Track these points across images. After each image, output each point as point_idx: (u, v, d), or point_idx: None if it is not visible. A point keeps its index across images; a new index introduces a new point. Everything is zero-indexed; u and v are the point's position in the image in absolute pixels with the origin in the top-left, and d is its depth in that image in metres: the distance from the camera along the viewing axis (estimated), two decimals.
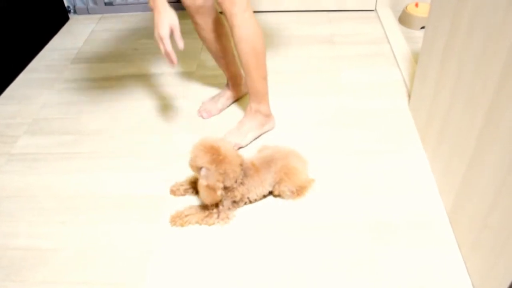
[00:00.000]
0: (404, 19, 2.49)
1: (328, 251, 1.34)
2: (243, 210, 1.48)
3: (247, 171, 1.41)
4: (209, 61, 2.27)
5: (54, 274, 1.33)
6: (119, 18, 2.78)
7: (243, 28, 1.53)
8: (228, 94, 1.92)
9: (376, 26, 2.49)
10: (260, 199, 1.49)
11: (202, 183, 1.32)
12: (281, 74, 2.13)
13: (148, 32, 2.59)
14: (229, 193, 1.39)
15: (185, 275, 1.31)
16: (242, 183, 1.40)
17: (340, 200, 1.50)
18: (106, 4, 2.82)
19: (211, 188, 1.32)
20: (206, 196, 1.35)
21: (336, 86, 2.04)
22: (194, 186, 1.52)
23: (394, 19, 2.53)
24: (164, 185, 1.59)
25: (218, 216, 1.41)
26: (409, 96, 1.92)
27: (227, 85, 1.93)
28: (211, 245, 1.38)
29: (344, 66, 2.18)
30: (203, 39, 1.76)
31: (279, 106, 1.92)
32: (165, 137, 1.81)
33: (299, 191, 1.47)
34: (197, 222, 1.42)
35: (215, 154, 1.31)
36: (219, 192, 1.33)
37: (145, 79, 2.18)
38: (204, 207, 1.44)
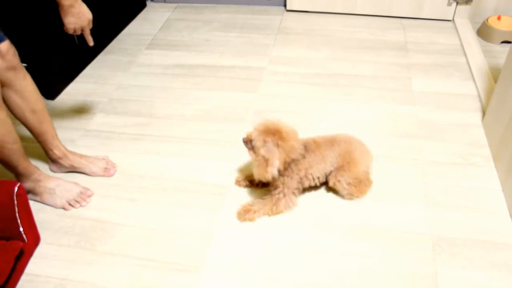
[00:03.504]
0: (483, 31, 2.41)
1: (387, 260, 1.33)
2: (302, 205, 1.49)
3: (308, 146, 1.43)
4: (281, 58, 2.30)
5: (120, 247, 1.40)
6: (193, 9, 2.86)
7: (28, 75, 1.46)
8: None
9: (452, 37, 2.43)
10: (323, 178, 1.49)
11: (260, 152, 1.34)
12: (350, 78, 2.12)
13: (221, 24, 2.65)
14: (294, 169, 1.41)
15: (242, 263, 1.33)
16: (304, 157, 1.42)
17: (402, 210, 1.48)
18: None
19: (265, 160, 1.33)
20: (257, 167, 1.36)
21: (406, 94, 2.01)
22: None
23: (472, 31, 2.46)
24: (230, 175, 1.62)
25: (284, 198, 1.43)
26: (483, 111, 1.87)
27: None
28: (270, 237, 1.41)
29: (416, 74, 2.14)
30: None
31: (345, 110, 1.92)
32: (233, 128, 1.85)
33: (356, 186, 1.47)
34: (266, 214, 1.45)
35: (277, 133, 1.33)
36: (270, 169, 1.33)
37: (216, 70, 2.23)
38: (269, 196, 1.47)
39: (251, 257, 1.35)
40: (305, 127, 1.83)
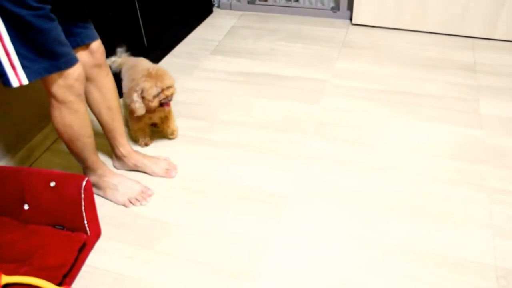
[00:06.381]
0: None
1: (445, 287, 1.28)
2: (365, 225, 1.46)
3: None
4: (345, 71, 2.28)
5: (177, 248, 1.42)
6: (259, 17, 2.89)
7: (111, 73, 1.55)
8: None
9: None
10: (131, 95, 1.68)
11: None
12: (415, 96, 2.07)
13: (286, 34, 2.66)
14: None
15: (297, 275, 1.32)
16: None
17: (466, 237, 1.42)
18: (249, 2, 2.94)
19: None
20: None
21: (474, 117, 1.93)
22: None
23: None
24: (288, 184, 1.62)
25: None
26: None
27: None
28: (327, 250, 1.39)
29: (485, 97, 2.06)
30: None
31: (408, 128, 1.87)
32: (294, 138, 1.85)
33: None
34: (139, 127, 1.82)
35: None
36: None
37: (279, 80, 2.23)
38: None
39: (307, 269, 1.34)
40: (365, 142, 1.80)
